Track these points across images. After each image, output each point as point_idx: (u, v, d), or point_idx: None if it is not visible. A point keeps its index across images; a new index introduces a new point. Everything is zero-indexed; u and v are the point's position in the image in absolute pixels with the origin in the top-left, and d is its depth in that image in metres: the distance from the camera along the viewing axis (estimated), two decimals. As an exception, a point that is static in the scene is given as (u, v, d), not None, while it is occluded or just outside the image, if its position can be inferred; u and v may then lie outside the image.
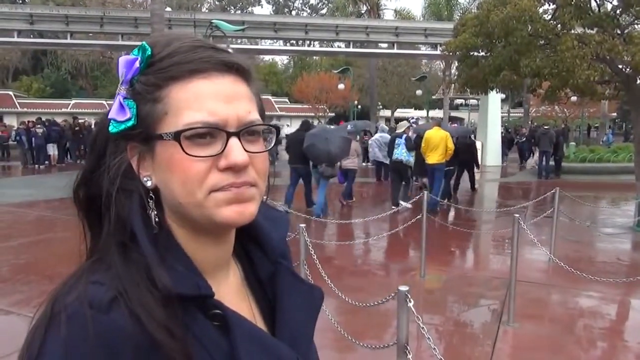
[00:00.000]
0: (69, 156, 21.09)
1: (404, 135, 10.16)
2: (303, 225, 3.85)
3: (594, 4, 8.60)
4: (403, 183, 10.33)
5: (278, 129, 0.70)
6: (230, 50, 0.66)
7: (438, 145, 9.64)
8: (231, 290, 0.70)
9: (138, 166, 0.64)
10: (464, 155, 11.73)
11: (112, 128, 0.62)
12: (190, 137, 0.59)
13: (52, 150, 19.51)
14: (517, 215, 4.53)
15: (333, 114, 35.73)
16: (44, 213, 9.59)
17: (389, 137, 12.21)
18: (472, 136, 13.07)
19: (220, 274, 0.69)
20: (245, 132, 0.62)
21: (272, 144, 0.68)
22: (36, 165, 18.73)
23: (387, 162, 12.13)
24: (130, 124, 0.62)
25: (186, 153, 0.59)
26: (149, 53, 0.62)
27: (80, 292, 0.57)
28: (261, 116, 0.66)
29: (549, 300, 5.18)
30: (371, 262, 6.66)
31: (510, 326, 4.30)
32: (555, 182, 13.85)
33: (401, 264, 6.60)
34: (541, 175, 15.77)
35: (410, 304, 2.33)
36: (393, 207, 9.33)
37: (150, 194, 0.64)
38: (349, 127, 13.27)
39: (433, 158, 9.71)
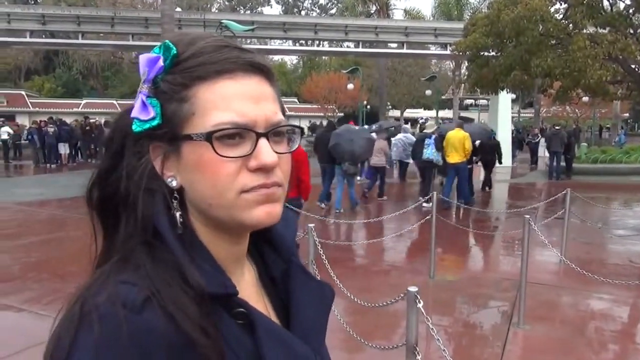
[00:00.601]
0: (79, 155, 21.28)
1: (433, 136, 10.36)
2: (312, 225, 3.86)
3: (606, 3, 8.54)
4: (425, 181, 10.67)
5: (302, 130, 0.70)
6: (254, 51, 0.65)
7: (457, 145, 9.87)
8: (248, 289, 0.71)
9: (162, 166, 0.63)
10: (487, 155, 11.73)
11: (136, 127, 0.62)
12: (220, 137, 0.59)
13: (64, 149, 19.71)
14: (527, 216, 4.49)
15: (342, 114, 35.69)
16: (56, 212, 9.68)
17: (413, 137, 12.35)
18: (494, 136, 13.05)
19: (237, 272, 0.69)
20: (272, 132, 0.63)
21: (297, 145, 0.68)
22: (48, 164, 18.89)
23: (410, 161, 12.32)
24: (155, 123, 0.61)
25: (218, 154, 0.59)
26: (175, 52, 0.61)
27: (112, 293, 0.56)
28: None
29: (560, 302, 5.13)
30: (380, 263, 6.64)
31: (521, 328, 4.27)
32: (566, 183, 13.72)
33: (410, 265, 6.58)
34: (552, 176, 15.61)
35: (420, 305, 2.31)
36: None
37: (175, 194, 0.63)
38: (374, 127, 13.34)
39: (454, 158, 9.96)
